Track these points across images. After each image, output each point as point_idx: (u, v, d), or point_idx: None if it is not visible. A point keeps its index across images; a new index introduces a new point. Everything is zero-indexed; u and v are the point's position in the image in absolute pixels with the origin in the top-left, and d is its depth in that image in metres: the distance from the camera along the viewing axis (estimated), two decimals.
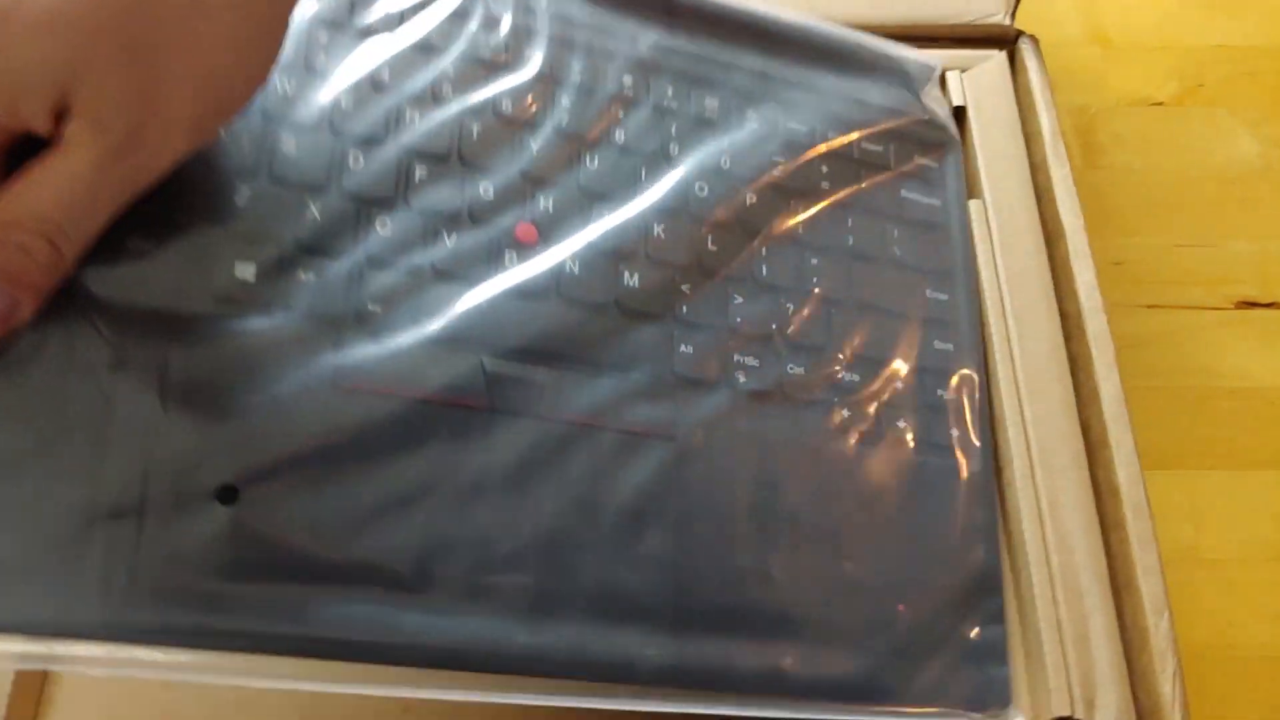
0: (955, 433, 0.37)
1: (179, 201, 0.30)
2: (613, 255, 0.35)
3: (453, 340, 0.32)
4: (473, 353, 0.32)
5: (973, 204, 0.42)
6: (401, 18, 0.35)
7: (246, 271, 0.30)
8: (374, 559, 0.29)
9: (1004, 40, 0.45)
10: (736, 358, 0.35)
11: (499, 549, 0.30)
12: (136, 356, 0.28)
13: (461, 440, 0.31)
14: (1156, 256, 0.39)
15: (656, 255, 0.35)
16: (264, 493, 0.28)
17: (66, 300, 0.27)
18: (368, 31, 0.34)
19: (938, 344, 0.39)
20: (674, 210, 0.36)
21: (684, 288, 0.35)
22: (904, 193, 0.40)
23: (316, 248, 0.31)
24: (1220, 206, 0.43)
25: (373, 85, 0.34)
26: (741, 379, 0.35)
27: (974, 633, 0.34)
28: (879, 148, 0.41)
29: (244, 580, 0.27)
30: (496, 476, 0.31)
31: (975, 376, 0.38)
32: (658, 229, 0.36)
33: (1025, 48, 0.44)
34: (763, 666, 0.32)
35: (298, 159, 0.32)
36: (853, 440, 0.36)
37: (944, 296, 0.39)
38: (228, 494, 0.28)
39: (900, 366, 0.38)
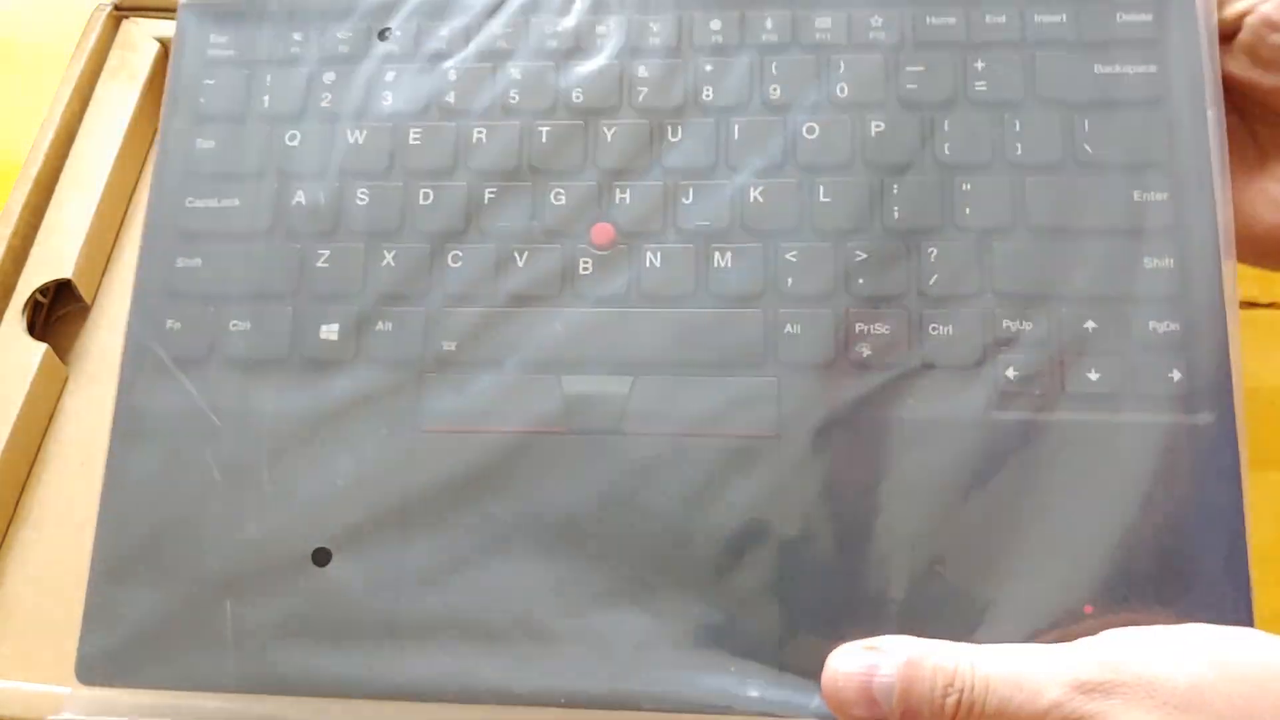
0: (1176, 376, 0.29)
1: (267, 275, 0.32)
2: (701, 236, 0.31)
3: (530, 365, 0.31)
4: (551, 375, 0.30)
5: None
6: (468, 33, 0.34)
7: (330, 332, 0.31)
8: (461, 610, 0.29)
9: None
10: (859, 328, 0.30)
11: (589, 588, 0.29)
12: (238, 428, 0.31)
13: (547, 470, 0.30)
14: None
15: (755, 224, 0.31)
16: (356, 550, 0.30)
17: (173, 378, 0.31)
18: (437, 57, 0.34)
19: (1150, 261, 0.30)
20: (777, 165, 0.31)
21: (790, 256, 0.31)
22: (1098, 68, 0.31)
23: (393, 295, 0.31)
24: None
25: (440, 113, 0.33)
26: (866, 353, 0.30)
27: None
28: (1054, 17, 0.32)
29: (340, 635, 0.29)
30: (585, 506, 0.29)
31: (1210, 296, 0.29)
32: (755, 193, 0.31)
33: None
34: None
35: (370, 208, 0.32)
36: (1029, 408, 0.29)
37: (1161, 196, 0.30)
38: (322, 556, 0.30)
39: (1091, 299, 0.30)
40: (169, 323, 0.32)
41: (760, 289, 0.31)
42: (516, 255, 0.31)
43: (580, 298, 0.31)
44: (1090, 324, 0.29)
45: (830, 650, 0.27)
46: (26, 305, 0.37)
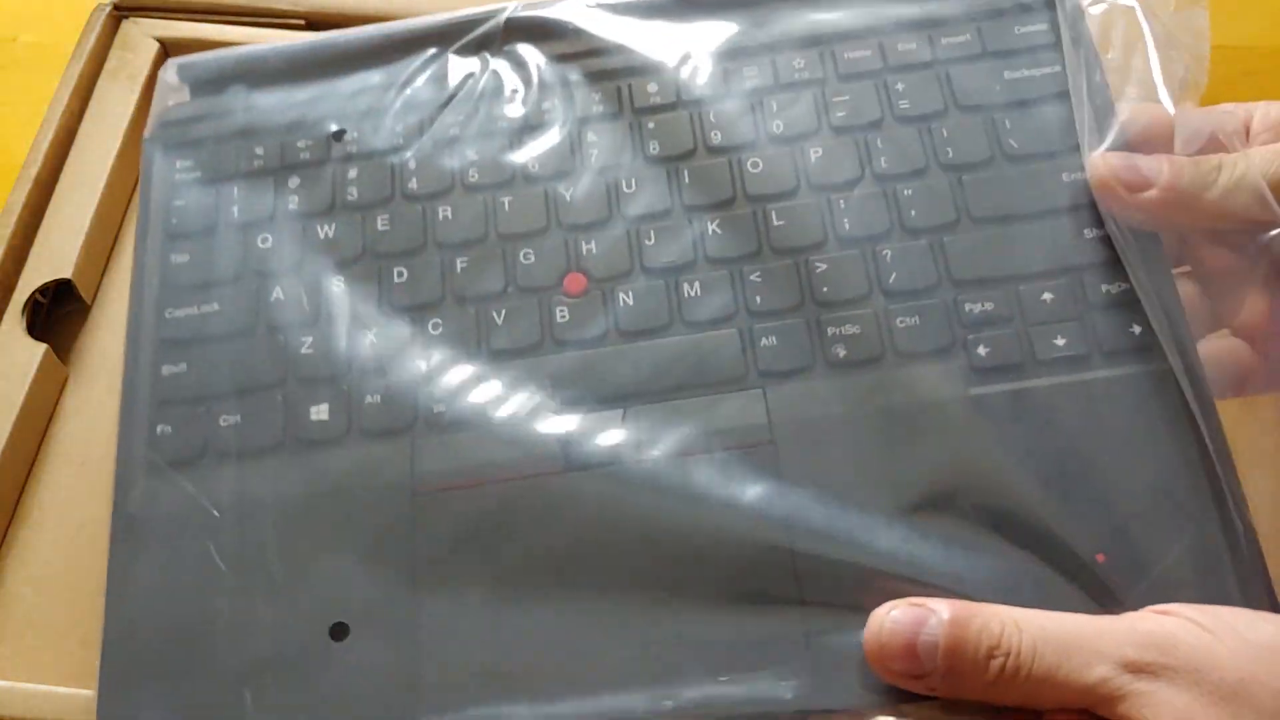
0: (1137, 329, 0.30)
1: (253, 369, 0.32)
2: (669, 271, 0.33)
3: (520, 413, 0.31)
4: (543, 418, 0.31)
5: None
6: (421, 126, 0.36)
7: (321, 412, 0.32)
8: (486, 663, 0.29)
9: None
10: (831, 331, 0.31)
11: (609, 620, 0.29)
12: (239, 518, 0.31)
13: (551, 511, 0.30)
14: None
15: (717, 255, 0.33)
16: (372, 621, 0.29)
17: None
18: (395, 150, 0.35)
19: (1090, 232, 0.32)
20: (728, 200, 0.33)
21: (754, 277, 0.32)
22: (1008, 74, 0.34)
23: (379, 368, 0.32)
24: None
25: (405, 199, 0.35)
26: (842, 353, 0.31)
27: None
28: (961, 38, 0.35)
29: (367, 708, 0.28)
30: (594, 539, 0.30)
31: (1151, 252, 0.31)
32: (712, 225, 0.33)
33: None
34: None
35: (347, 293, 0.33)
36: (1006, 379, 0.30)
37: (1086, 174, 0.32)
38: (340, 631, 0.29)
39: (1043, 274, 0.31)
40: (159, 428, 0.32)
41: (732, 310, 0.32)
42: (495, 314, 0.33)
43: (562, 344, 0.32)
44: (1048, 295, 0.31)
45: (858, 641, 0.27)
46: (26, 305, 0.37)
